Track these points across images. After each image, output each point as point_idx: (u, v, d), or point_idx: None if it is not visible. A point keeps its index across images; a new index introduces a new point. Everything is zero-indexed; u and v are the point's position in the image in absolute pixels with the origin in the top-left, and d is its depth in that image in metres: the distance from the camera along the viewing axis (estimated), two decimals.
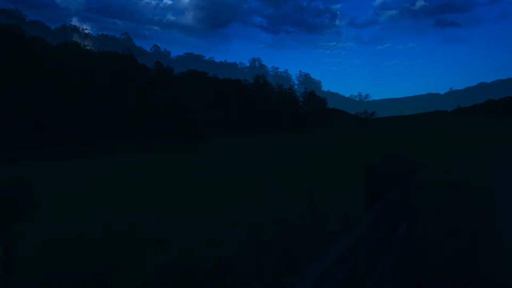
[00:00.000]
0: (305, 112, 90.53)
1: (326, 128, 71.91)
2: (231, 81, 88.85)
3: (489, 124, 51.05)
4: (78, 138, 56.91)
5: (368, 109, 75.09)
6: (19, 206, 8.27)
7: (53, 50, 64.15)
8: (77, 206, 12.34)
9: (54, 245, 8.06)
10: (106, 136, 61.04)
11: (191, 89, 74.13)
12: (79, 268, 6.54)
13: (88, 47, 69.27)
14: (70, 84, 57.81)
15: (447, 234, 6.42)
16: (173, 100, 68.95)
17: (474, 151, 21.40)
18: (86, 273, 6.23)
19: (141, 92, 66.73)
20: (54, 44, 65.73)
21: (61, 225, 9.72)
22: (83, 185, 17.73)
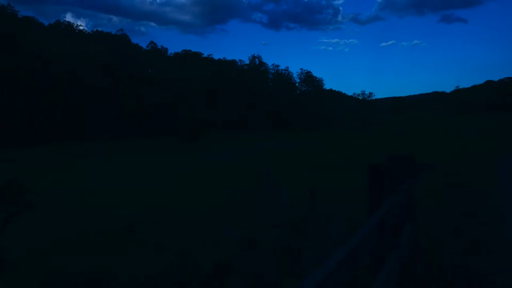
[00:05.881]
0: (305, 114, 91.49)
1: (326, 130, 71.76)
2: (233, 87, 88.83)
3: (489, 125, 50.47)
4: (75, 137, 56.39)
5: (363, 117, 76.16)
6: (14, 207, 8.06)
7: (59, 55, 63.68)
8: (75, 206, 12.25)
9: (51, 246, 8.00)
10: (104, 136, 60.52)
11: (188, 90, 73.68)
12: (76, 269, 6.45)
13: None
14: (65, 84, 57.31)
15: (453, 236, 6.33)
16: (170, 100, 68.39)
17: (483, 151, 21.38)
18: (83, 274, 6.13)
19: (139, 92, 66.16)
20: (50, 42, 65.50)
21: (58, 226, 9.66)
22: (81, 185, 17.65)
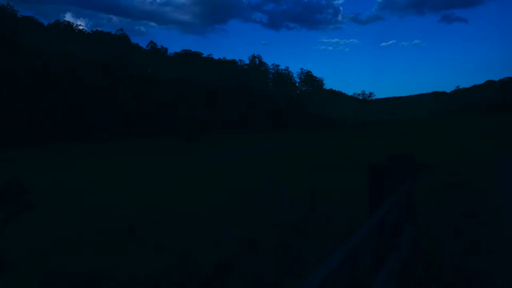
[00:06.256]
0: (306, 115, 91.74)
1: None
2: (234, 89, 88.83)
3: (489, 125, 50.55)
4: (75, 137, 56.32)
5: (363, 117, 76.85)
6: (14, 207, 8.09)
7: (55, 56, 63.67)
8: (75, 206, 12.24)
9: (51, 246, 7.96)
10: (104, 136, 60.46)
11: (188, 90, 73.71)
12: (76, 269, 6.43)
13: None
14: (65, 84, 57.28)
15: (453, 236, 6.30)
16: (170, 100, 68.39)
17: (483, 151, 21.39)
18: (83, 274, 6.12)
19: (139, 92, 66.13)
20: (50, 42, 65.64)
21: (58, 226, 9.62)
22: (81, 185, 17.61)
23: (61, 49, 64.85)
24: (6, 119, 51.27)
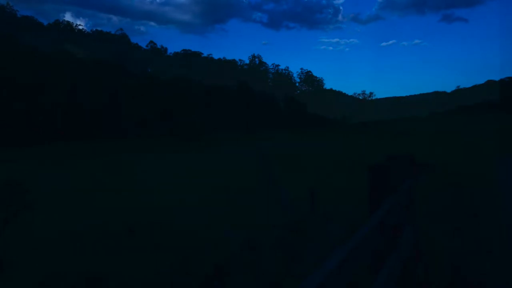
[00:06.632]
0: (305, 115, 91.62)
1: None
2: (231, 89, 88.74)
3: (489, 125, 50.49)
4: (75, 137, 56.32)
5: (363, 117, 77.24)
6: (14, 207, 8.13)
7: (49, 57, 63.62)
8: (74, 206, 12.25)
9: (51, 246, 7.96)
10: (104, 136, 60.46)
11: (188, 90, 73.69)
12: (76, 269, 6.43)
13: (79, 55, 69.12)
14: (65, 84, 57.24)
15: (453, 236, 6.30)
16: (170, 100, 68.34)
17: (483, 151, 21.38)
18: (83, 275, 6.12)
19: (138, 92, 66.10)
20: (49, 41, 65.73)
21: (58, 226, 9.62)
22: (81, 184, 17.64)
23: (61, 49, 64.91)
24: (6, 119, 51.27)
